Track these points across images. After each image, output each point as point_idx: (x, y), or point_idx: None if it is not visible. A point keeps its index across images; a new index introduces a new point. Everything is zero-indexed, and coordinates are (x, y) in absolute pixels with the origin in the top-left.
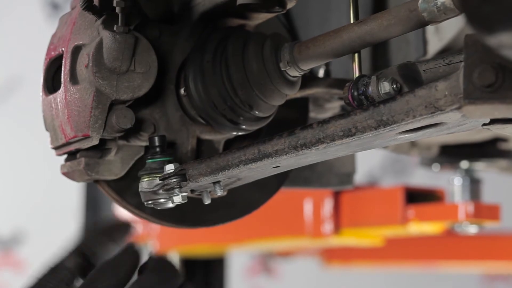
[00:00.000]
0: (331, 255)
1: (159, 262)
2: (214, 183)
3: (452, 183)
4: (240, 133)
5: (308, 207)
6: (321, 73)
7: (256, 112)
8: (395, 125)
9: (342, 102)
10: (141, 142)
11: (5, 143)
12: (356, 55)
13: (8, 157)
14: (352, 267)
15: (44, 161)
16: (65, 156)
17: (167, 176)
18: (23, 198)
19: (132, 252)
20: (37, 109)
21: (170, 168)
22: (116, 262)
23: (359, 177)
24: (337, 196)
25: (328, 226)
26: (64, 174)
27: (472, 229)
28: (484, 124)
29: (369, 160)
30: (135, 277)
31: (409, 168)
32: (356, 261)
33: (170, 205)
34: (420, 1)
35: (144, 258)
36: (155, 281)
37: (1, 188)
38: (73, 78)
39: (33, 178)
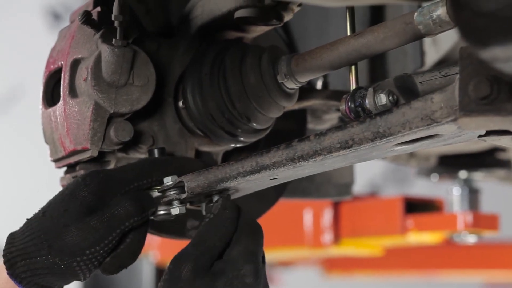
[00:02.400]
0: (331, 265)
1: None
2: (213, 194)
3: (451, 193)
4: (238, 145)
5: (308, 218)
6: (319, 85)
7: (254, 124)
8: (391, 137)
9: (340, 114)
10: (140, 154)
11: (6, 153)
12: (353, 67)
13: (10, 166)
14: (352, 277)
15: (45, 170)
16: (65, 168)
17: (165, 188)
18: (24, 207)
19: (232, 207)
20: (38, 120)
21: (168, 180)
22: (221, 217)
23: (360, 186)
24: (336, 206)
25: (328, 236)
26: (64, 186)
27: (471, 239)
28: (480, 136)
29: (370, 169)
30: None
31: (411, 177)
32: (356, 271)
33: (170, 217)
34: (416, 14)
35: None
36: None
37: (2, 196)
38: (72, 91)
39: (34, 187)
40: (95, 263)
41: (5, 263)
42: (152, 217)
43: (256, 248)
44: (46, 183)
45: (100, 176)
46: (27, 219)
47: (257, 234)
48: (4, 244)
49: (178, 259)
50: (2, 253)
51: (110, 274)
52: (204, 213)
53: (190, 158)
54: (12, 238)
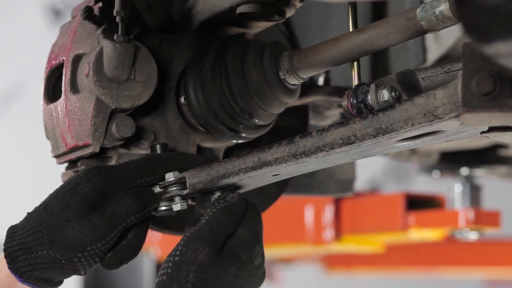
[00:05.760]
0: (332, 262)
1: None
2: (215, 191)
3: (452, 189)
4: (240, 141)
5: (309, 214)
6: (320, 81)
7: (256, 120)
8: (394, 133)
9: (342, 110)
10: (141, 150)
11: (7, 149)
12: (355, 63)
13: (10, 163)
14: (353, 274)
15: (45, 167)
16: (66, 164)
17: (167, 184)
18: (25, 204)
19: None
20: (39, 116)
21: (170, 176)
22: (238, 208)
23: (361, 183)
24: (338, 202)
25: (329, 233)
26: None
27: (473, 236)
28: (483, 132)
29: (371, 166)
30: None
31: (411, 174)
32: (357, 268)
33: (171, 213)
34: (418, 10)
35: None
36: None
37: (2, 194)
38: (74, 87)
39: (35, 183)
40: (96, 259)
41: (5, 257)
42: (153, 213)
43: (261, 228)
44: (46, 179)
45: (102, 172)
46: (28, 212)
47: (259, 214)
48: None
49: (193, 240)
50: (2, 247)
51: (110, 269)
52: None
53: (192, 154)
54: (13, 231)
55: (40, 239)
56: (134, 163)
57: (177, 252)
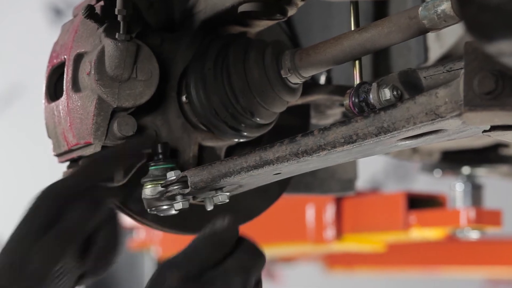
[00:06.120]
0: (334, 261)
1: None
2: (216, 189)
3: (453, 188)
4: (241, 140)
5: (310, 213)
6: (322, 79)
7: (258, 119)
8: (395, 132)
9: (343, 109)
10: None
11: (6, 149)
12: (357, 62)
13: (10, 163)
14: (354, 273)
15: (45, 166)
16: (67, 163)
17: (169, 183)
18: (25, 204)
19: (235, 229)
20: (39, 116)
21: (171, 175)
22: (221, 237)
23: (362, 182)
24: (339, 201)
25: (330, 232)
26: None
27: (474, 235)
28: (485, 131)
29: (372, 165)
30: None
31: (413, 173)
32: (358, 267)
33: (173, 211)
34: (420, 9)
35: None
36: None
37: (2, 194)
38: (75, 86)
39: (35, 184)
40: (71, 276)
41: None
42: (155, 212)
43: (252, 266)
44: (46, 179)
45: (54, 190)
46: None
47: (257, 257)
48: (4, 240)
49: (165, 266)
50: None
51: (100, 275)
52: (207, 208)
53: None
54: None
55: (8, 275)
56: (83, 169)
57: (150, 278)
